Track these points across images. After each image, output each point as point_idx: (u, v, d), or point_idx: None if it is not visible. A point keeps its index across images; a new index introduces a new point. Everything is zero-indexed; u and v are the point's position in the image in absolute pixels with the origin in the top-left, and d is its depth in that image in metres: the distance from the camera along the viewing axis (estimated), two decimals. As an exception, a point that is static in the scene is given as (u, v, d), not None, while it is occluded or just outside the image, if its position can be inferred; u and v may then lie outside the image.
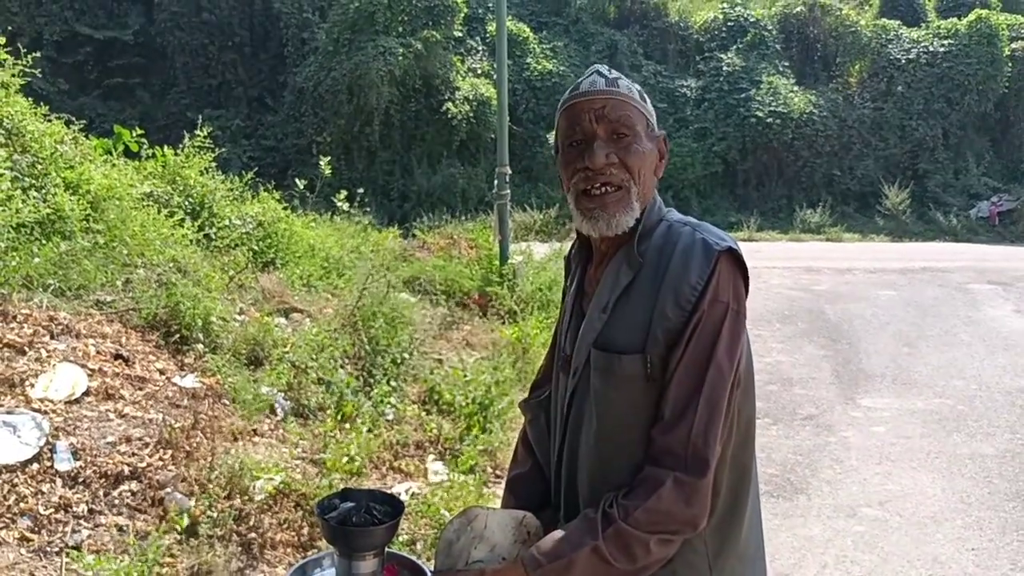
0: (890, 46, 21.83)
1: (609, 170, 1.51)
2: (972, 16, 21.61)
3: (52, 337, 4.42)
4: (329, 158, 9.91)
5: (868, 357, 7.80)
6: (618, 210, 1.52)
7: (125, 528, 3.38)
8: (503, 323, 7.92)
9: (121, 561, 3.17)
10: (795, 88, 21.15)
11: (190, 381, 4.58)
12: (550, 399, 1.77)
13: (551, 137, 1.72)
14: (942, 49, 21.37)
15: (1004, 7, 23.87)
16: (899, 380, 7.08)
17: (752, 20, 22.13)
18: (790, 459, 5.33)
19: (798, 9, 22.61)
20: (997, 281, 11.99)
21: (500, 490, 4.40)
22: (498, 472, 4.79)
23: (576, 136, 1.55)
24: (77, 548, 3.19)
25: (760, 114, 20.18)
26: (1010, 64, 21.31)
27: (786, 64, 21.96)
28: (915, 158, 21.14)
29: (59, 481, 3.45)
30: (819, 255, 14.83)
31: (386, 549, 1.51)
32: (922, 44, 21.60)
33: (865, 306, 10.16)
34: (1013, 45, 21.59)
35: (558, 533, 1.49)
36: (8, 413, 3.65)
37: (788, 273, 12.59)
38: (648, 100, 1.61)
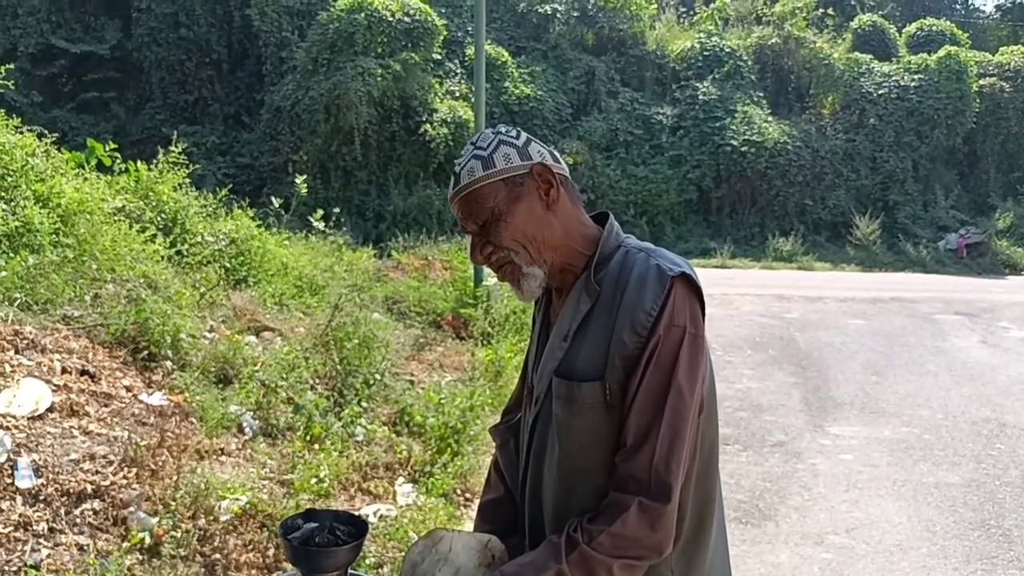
0: (862, 79, 22.21)
1: (491, 258, 1.59)
2: (942, 52, 22.05)
3: (17, 352, 4.35)
4: (305, 177, 9.90)
5: (837, 385, 7.87)
6: (517, 280, 1.59)
7: (86, 547, 3.32)
8: (477, 345, 7.90)
9: (81, 581, 3.11)
10: (769, 118, 21.42)
11: (157, 399, 4.52)
12: (520, 425, 1.77)
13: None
14: (913, 83, 21.78)
15: (973, 44, 24.43)
16: (867, 408, 7.14)
17: (728, 50, 22.42)
18: (759, 485, 5.35)
19: (773, 41, 22.97)
20: (964, 312, 12.17)
21: (471, 514, 4.39)
22: (468, 496, 4.76)
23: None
24: (36, 567, 3.13)
25: (735, 143, 20.40)
26: (978, 100, 21.77)
27: (761, 94, 22.26)
28: (886, 189, 21.46)
29: (19, 499, 3.38)
30: (790, 283, 14.98)
31: (349, 570, 1.50)
32: (893, 78, 22.00)
33: (835, 334, 10.27)
34: (981, 82, 22.06)
35: (523, 557, 1.49)
36: (-31, 428, 3.58)
37: (760, 300, 12.71)
38: (506, 145, 1.56)
